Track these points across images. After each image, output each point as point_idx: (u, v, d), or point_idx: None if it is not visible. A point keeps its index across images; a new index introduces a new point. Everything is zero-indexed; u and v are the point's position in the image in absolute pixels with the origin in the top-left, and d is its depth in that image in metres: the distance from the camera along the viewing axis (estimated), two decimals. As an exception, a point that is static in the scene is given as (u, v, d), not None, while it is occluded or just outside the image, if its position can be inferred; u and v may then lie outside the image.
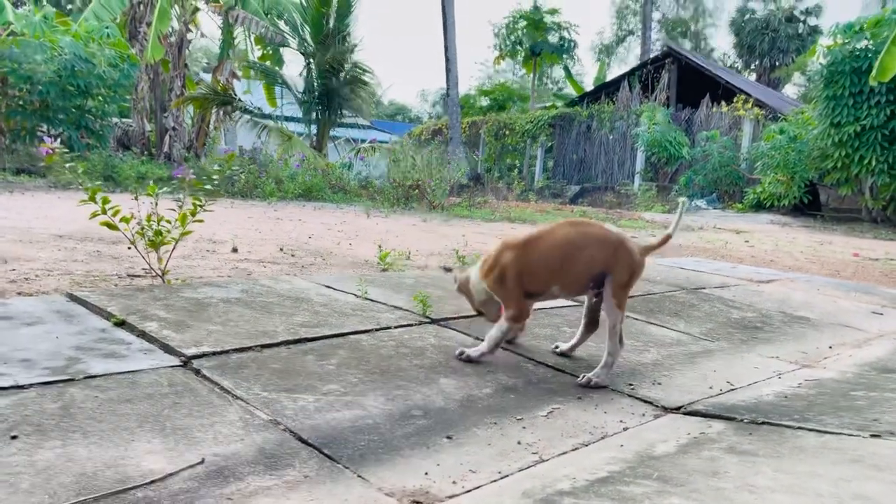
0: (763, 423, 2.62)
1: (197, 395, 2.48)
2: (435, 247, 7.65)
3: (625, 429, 2.61)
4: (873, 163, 16.67)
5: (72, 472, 1.90)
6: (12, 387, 2.37)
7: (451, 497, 2.00)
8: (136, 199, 4.13)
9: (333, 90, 17.83)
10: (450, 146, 23.51)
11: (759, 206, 20.29)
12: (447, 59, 24.49)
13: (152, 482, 1.89)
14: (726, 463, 2.19)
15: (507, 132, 29.77)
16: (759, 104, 23.56)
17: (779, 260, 9.47)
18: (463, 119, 30.59)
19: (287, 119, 19.23)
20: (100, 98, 15.87)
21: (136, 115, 18.89)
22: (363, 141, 21.80)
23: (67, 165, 4.07)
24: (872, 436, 2.43)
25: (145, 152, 18.56)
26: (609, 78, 32.80)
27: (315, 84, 18.24)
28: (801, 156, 18.67)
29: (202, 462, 2.03)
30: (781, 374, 3.51)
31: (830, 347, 4.25)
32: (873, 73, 14.89)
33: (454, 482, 2.09)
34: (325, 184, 14.44)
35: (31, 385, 2.40)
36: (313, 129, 18.89)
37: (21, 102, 15.11)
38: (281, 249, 6.45)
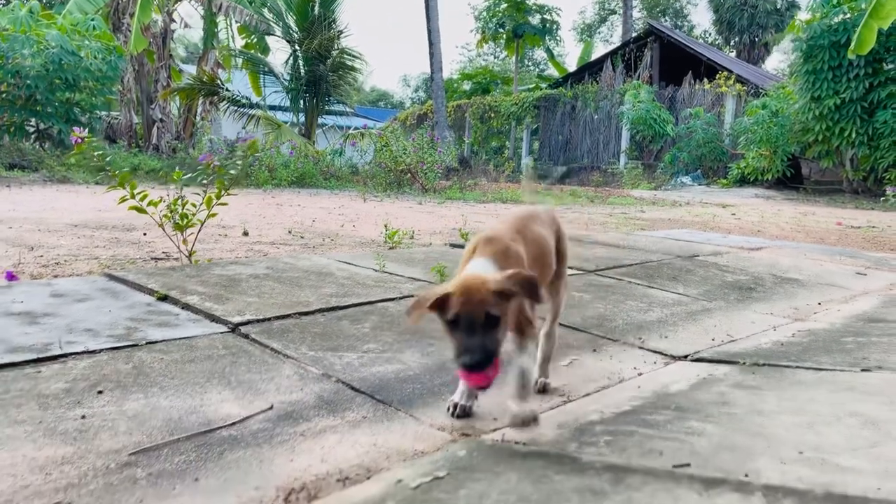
0: (764, 364, 2.89)
1: (251, 356, 2.71)
2: (436, 226, 7.88)
3: (639, 374, 2.88)
4: (853, 135, 17.06)
5: (159, 417, 2.13)
6: (85, 352, 2.59)
7: (494, 430, 2.24)
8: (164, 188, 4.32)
9: (321, 77, 17.93)
10: (436, 130, 23.66)
11: (743, 181, 20.67)
12: (431, 43, 24.56)
13: (232, 424, 2.13)
14: (735, 395, 2.45)
15: (493, 115, 29.94)
16: (740, 80, 23.88)
17: (766, 230, 9.79)
18: (447, 103, 30.69)
19: (274, 108, 19.30)
20: (87, 91, 15.88)
21: (123, 107, 18.89)
22: (350, 128, 21.90)
23: (96, 154, 4.24)
24: (863, 370, 2.71)
25: (133, 145, 18.58)
26: (593, 58, 32.96)
27: (302, 71, 18.31)
28: (782, 130, 19.03)
29: (271, 408, 2.26)
30: (776, 327, 3.80)
31: (819, 304, 4.55)
32: (851, 46, 15.20)
33: (495, 419, 2.33)
34: (316, 171, 14.60)
35: (101, 350, 2.62)
36: (301, 118, 18.97)
37: (8, 97, 15.10)
38: (289, 232, 6.66)
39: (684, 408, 2.34)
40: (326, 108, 19.04)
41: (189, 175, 4.30)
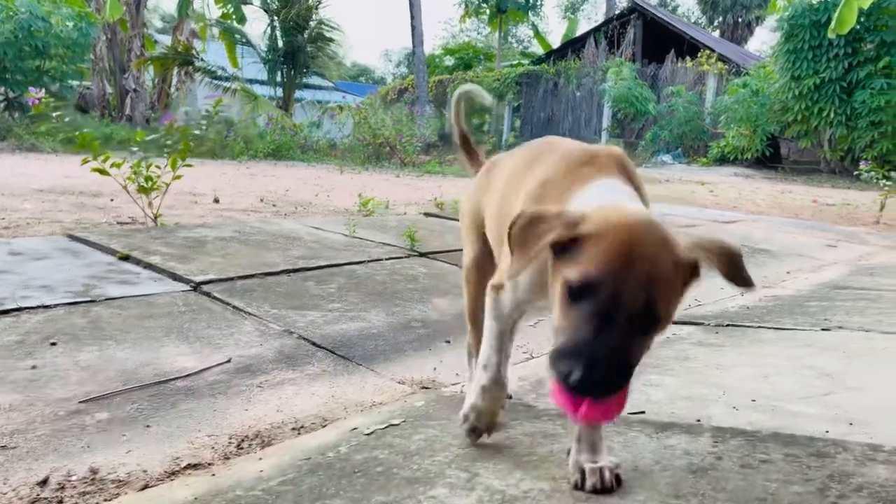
0: (728, 325, 2.91)
1: (212, 313, 2.68)
2: (412, 197, 7.83)
3: (605, 334, 2.88)
4: (831, 115, 17.15)
5: (113, 368, 2.10)
6: (40, 306, 2.53)
7: (454, 384, 2.23)
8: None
9: (298, 48, 17.68)
10: (417, 105, 23.48)
11: (723, 160, 20.77)
12: (412, 16, 24.27)
13: (188, 375, 2.10)
14: (696, 352, 2.46)
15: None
16: (722, 59, 23.90)
17: (742, 206, 9.85)
18: (429, 78, 30.44)
19: (252, 82, 19.01)
20: (58, 59, 15.51)
21: (95, 76, 18.48)
22: (329, 103, 21.68)
23: (55, 114, 4.14)
24: (823, 329, 2.74)
25: (106, 115, 18.23)
26: (577, 35, 32.83)
27: (279, 42, 18.04)
28: (762, 109, 19.09)
29: (229, 361, 2.23)
30: (744, 294, 3.82)
31: (788, 272, 4.58)
32: (832, 25, 15.18)
33: (457, 374, 2.32)
34: (293, 143, 14.43)
35: (56, 305, 2.57)
36: (279, 91, 18.72)
37: (-23, 64, 14.71)
38: (261, 200, 6.58)
39: (645, 363, 2.34)
40: (304, 80, 18.78)
41: (153, 137, 4.21)
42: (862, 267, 4.88)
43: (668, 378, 2.14)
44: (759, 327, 2.83)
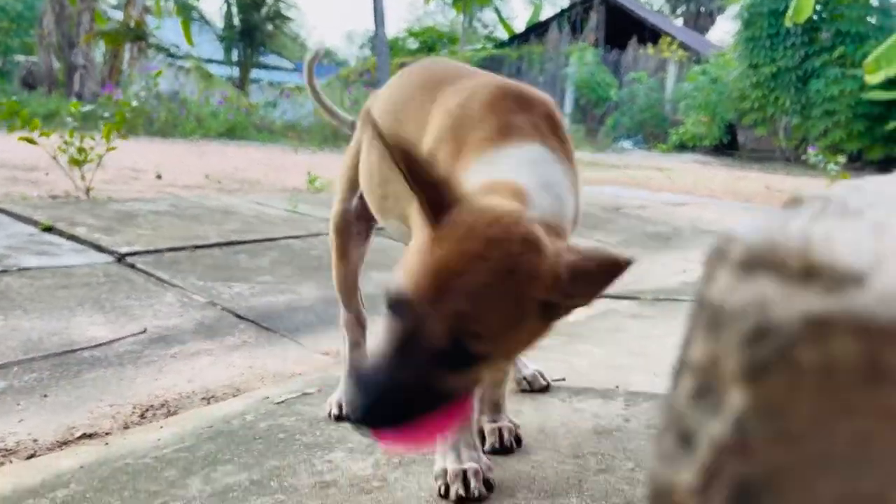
0: (664, 299, 2.90)
1: (133, 284, 2.57)
2: (365, 176, 7.72)
3: (541, 308, 2.85)
4: (787, 104, 17.45)
5: (17, 338, 1.99)
6: (-55, 275, 2.40)
7: (380, 355, 2.18)
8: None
9: (256, 26, 17.31)
10: (378, 87, 23.21)
11: (682, 147, 21.01)
12: (375, -2, 23.94)
13: (98, 345, 2.00)
14: (629, 324, 2.44)
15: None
16: (683, 47, 24.12)
17: (696, 191, 9.96)
18: (392, 61, 30.14)
19: (208, 62, 18.54)
20: (1, 32, 14.95)
21: (43, 51, 17.83)
22: (289, 84, 21.29)
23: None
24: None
25: (53, 91, 17.64)
26: (540, 20, 32.78)
27: (236, 20, 17.64)
28: (721, 97, 19.34)
29: (144, 331, 2.14)
30: (686, 270, 3.83)
31: (732, 252, 4.63)
32: (789, 13, 15.44)
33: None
34: (249, 123, 14.14)
35: (-36, 274, 2.44)
36: (236, 71, 18.32)
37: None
38: (207, 177, 6.41)
39: (577, 334, 2.32)
40: (262, 60, 18.41)
41: (89, 108, 4.04)
42: (804, 247, 4.95)
43: (596, 348, 2.11)
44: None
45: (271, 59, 20.04)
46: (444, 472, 1.12)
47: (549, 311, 0.90)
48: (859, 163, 16.02)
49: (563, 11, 28.06)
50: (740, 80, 18.80)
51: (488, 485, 1.11)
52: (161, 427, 1.55)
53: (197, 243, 3.16)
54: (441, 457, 1.15)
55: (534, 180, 1.02)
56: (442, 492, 1.11)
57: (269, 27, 17.66)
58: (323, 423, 1.50)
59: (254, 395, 1.75)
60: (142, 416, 1.67)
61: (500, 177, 1.01)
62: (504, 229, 0.87)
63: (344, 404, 1.49)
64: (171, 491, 1.19)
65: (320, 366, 2.07)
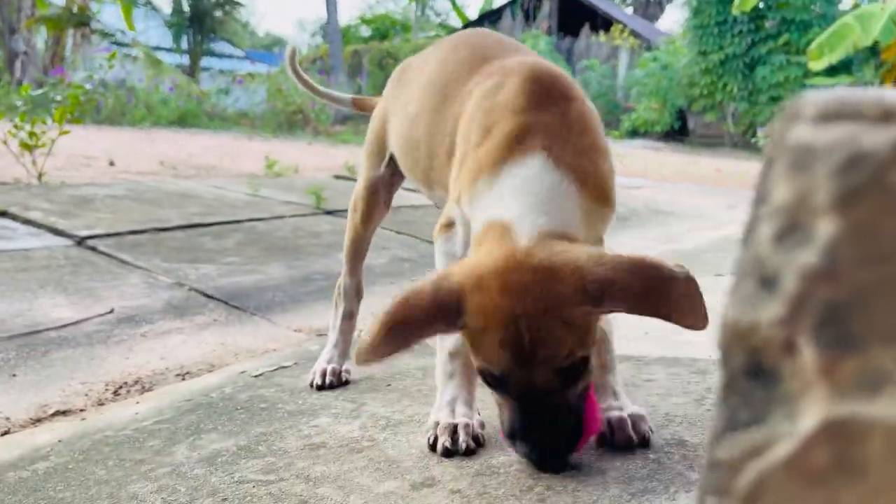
0: (627, 273, 2.97)
1: (96, 266, 2.52)
2: (323, 164, 7.66)
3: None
4: (735, 90, 17.88)
5: (-22, 320, 1.93)
6: None
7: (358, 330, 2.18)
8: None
9: (205, 12, 16.93)
10: (332, 74, 22.98)
11: (634, 133, 21.35)
12: (327, -15, 23.62)
13: (64, 326, 1.96)
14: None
15: (391, 61, 29.38)
16: (634, 34, 24.45)
17: (650, 175, 10.15)
18: (345, 48, 29.83)
19: (157, 49, 18.06)
20: (-61, 18, 14.29)
21: (-18, 38, 17.16)
22: (240, 72, 20.88)
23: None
24: (716, 275, 2.84)
25: (-5, 80, 16.98)
26: (494, 7, 32.80)
27: (184, 6, 17.22)
28: (671, 83, 19.70)
29: (111, 312, 2.10)
30: (646, 248, 3.92)
31: (689, 231, 4.75)
32: (736, 2, 15.81)
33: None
34: (200, 111, 13.85)
35: (-84, 258, 2.36)
36: (185, 59, 17.90)
37: None
38: (161, 164, 6.28)
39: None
40: (213, 47, 18.02)
41: (39, 92, 3.92)
42: (756, 225, 5.11)
43: (565, 318, 2.16)
44: (657, 274, 2.91)
45: (222, 47, 19.63)
46: (436, 424, 1.14)
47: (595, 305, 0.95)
48: (804, 147, 16.50)
49: (515, -1, 28.14)
50: (690, 66, 19.18)
51: (478, 441, 1.13)
52: (137, 402, 1.54)
53: (159, 226, 3.10)
54: (435, 411, 1.17)
55: (524, 206, 1.04)
56: (430, 443, 1.13)
57: (219, 14, 17.28)
58: (304, 392, 1.50)
59: (229, 370, 1.75)
60: (115, 392, 1.65)
61: (493, 214, 1.05)
62: (540, 274, 0.95)
63: (328, 370, 1.51)
64: (156, 458, 1.18)
65: (294, 342, 2.06)
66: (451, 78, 1.31)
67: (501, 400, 1.01)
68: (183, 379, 1.75)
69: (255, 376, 1.65)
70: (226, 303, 2.32)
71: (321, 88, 1.88)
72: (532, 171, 1.06)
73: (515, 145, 1.08)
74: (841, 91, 0.27)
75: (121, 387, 1.68)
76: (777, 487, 0.25)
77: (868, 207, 0.23)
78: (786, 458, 0.25)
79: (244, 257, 2.84)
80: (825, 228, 0.24)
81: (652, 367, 1.50)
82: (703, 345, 1.77)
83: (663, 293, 0.95)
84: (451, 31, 31.12)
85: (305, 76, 1.84)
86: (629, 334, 1.91)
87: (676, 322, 0.98)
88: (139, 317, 2.10)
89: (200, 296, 2.36)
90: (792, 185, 0.25)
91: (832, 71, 14.65)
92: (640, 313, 0.98)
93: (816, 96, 0.27)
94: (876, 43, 13.16)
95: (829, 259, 0.24)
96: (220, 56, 20.02)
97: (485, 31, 1.46)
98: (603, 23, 25.67)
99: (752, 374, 0.27)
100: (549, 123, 1.09)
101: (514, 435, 1.00)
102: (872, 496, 0.23)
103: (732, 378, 0.28)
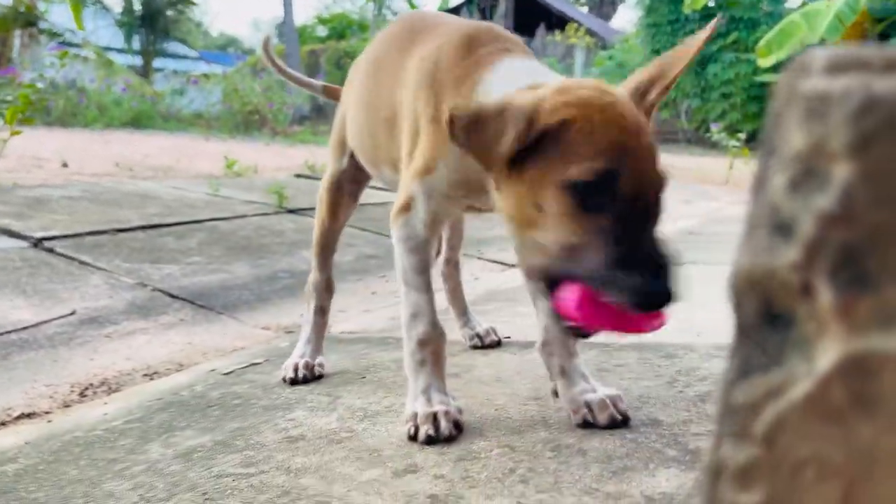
0: (592, 265, 3.02)
1: (55, 268, 2.45)
2: (283, 163, 7.58)
3: (476, 279, 2.90)
4: (688, 87, 18.24)
5: (-68, 325, 1.87)
6: None
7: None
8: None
9: (157, 11, 16.59)
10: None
11: (590, 130, 21.61)
12: (282, -17, 23.35)
13: (24, 328, 1.90)
14: (562, 288, 2.53)
15: (349, 61, 29.19)
16: (590, 33, 24.76)
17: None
18: (301, 48, 29.54)
19: (108, 50, 17.62)
20: None
21: (-77, 38, 16.52)
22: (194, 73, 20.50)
23: None
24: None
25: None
26: (450, 6, 32.83)
27: (136, 4, 16.85)
28: (626, 81, 20.00)
29: (73, 313, 2.05)
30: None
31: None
32: (687, 1, 16.15)
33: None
34: (155, 112, 13.57)
35: None
36: (138, 59, 17.51)
37: None
38: (116, 165, 6.14)
39: (514, 298, 2.38)
40: (166, 47, 17.68)
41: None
42: (713, 218, 5.23)
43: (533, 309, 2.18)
44: (621, 266, 2.96)
45: (175, 47, 19.28)
46: (415, 415, 1.14)
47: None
48: (754, 143, 16.93)
49: (471, -1, 28.23)
50: (644, 64, 19.38)
51: (458, 427, 1.13)
52: (105, 403, 1.51)
53: (118, 227, 3.03)
54: (411, 401, 1.17)
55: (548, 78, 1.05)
56: (412, 433, 1.12)
57: (172, 13, 16.96)
58: (278, 387, 1.49)
59: (199, 369, 1.72)
60: (81, 394, 1.61)
61: (523, 81, 1.04)
62: (619, 94, 1.00)
63: (301, 364, 1.50)
64: (130, 457, 1.16)
65: (262, 339, 2.04)
66: (388, 54, 1.34)
67: (592, 226, 0.89)
68: (151, 379, 1.71)
69: (226, 374, 1.63)
70: (191, 302, 2.29)
71: (295, 74, 1.88)
72: (508, 66, 1.10)
73: (491, 62, 1.11)
74: (842, 47, 0.28)
75: (87, 388, 1.64)
76: (795, 426, 0.26)
77: (882, 151, 0.24)
78: (804, 396, 0.26)
79: (208, 257, 2.80)
80: (840, 172, 0.25)
81: (621, 353, 1.53)
82: (668, 331, 1.81)
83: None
84: (408, 30, 31.02)
85: (280, 62, 1.84)
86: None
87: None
88: (102, 318, 2.06)
89: (165, 296, 2.31)
90: (807, 133, 0.26)
91: (780, 68, 15.08)
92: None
93: (823, 51, 0.28)
94: (822, 40, 13.57)
95: (844, 202, 0.25)
96: (174, 56, 19.65)
97: (424, 11, 1.50)
98: (558, 22, 25.94)
99: (766, 320, 0.28)
100: (497, 49, 1.14)
101: (620, 267, 0.88)
102: (888, 429, 0.24)
103: (745, 325, 0.29)
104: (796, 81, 0.28)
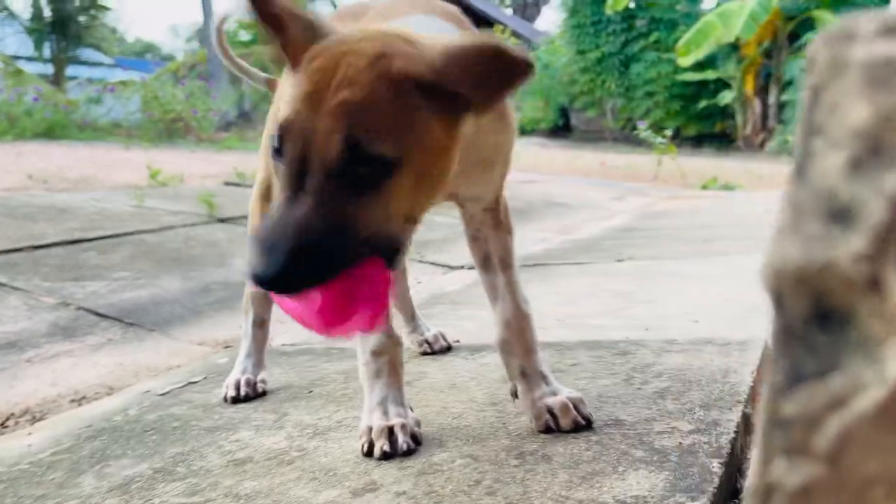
0: (534, 264, 3.01)
1: (-35, 290, 2.28)
2: (210, 171, 7.35)
3: (419, 282, 2.85)
4: (613, 86, 18.69)
5: None
6: None
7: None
8: None
9: (68, 17, 15.88)
10: (211, 80, 22.13)
11: (521, 132, 21.87)
12: (201, -12, 22.73)
13: (-68, 357, 1.75)
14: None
15: (274, 66, 28.68)
16: (515, 34, 25.06)
17: (540, 170, 10.43)
18: (225, 54, 28.78)
19: (17, 58, 16.77)
20: None
21: None
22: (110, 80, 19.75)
23: None
24: (617, 261, 2.92)
25: None
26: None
27: (45, 10, 16.09)
28: (553, 82, 20.35)
29: (-12, 338, 1.90)
30: (546, 240, 4.00)
31: (584, 221, 4.90)
32: (609, 2, 16.55)
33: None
34: (69, 122, 12.96)
35: None
36: (49, 68, 16.71)
37: None
38: (29, 177, 5.81)
39: (459, 301, 2.35)
40: (79, 55, 16.94)
41: None
42: (645, 214, 5.34)
43: (481, 311, 2.13)
44: (562, 264, 2.96)
45: (89, 54, 18.52)
46: (369, 429, 1.08)
47: (442, 107, 0.83)
48: (677, 140, 17.49)
49: (397, 1, 28.20)
50: (570, 65, 19.87)
51: (416, 439, 1.08)
52: (29, 434, 1.39)
53: (35, 243, 2.85)
54: (367, 414, 1.12)
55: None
56: (366, 449, 1.06)
57: (84, 19, 16.27)
58: (219, 407, 1.40)
59: (132, 391, 1.62)
60: (2, 425, 1.49)
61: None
62: (372, 32, 0.87)
63: (242, 381, 1.42)
64: (61, 492, 1.07)
65: (199, 356, 1.94)
66: None
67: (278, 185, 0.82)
68: (79, 404, 1.60)
69: (162, 395, 1.53)
70: (120, 320, 2.16)
71: (241, 63, 1.80)
72: (421, 20, 1.02)
73: (393, 16, 1.04)
74: (873, 13, 0.25)
75: (8, 418, 1.51)
76: (865, 439, 0.23)
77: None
78: (874, 405, 0.23)
79: (135, 271, 2.66)
80: (918, 147, 0.22)
81: (574, 352, 1.51)
82: (616, 328, 1.81)
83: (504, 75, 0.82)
84: (334, 34, 30.71)
85: (230, 51, 1.75)
86: (543, 323, 1.92)
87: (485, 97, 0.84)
88: (22, 342, 1.91)
89: (90, 315, 2.18)
90: (872, 105, 0.23)
91: (699, 66, 15.61)
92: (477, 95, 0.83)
93: (866, 17, 0.25)
94: (737, 39, 14.14)
95: (923, 180, 0.22)
96: (88, 64, 18.87)
97: (365, 1, 1.36)
98: (485, 24, 26.14)
99: (818, 320, 0.25)
100: (429, 8, 1.09)
101: (259, 232, 0.79)
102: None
103: (791, 326, 0.26)
104: (843, 50, 0.25)
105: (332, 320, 0.81)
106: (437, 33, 0.93)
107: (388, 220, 0.82)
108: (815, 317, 0.25)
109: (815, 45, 0.26)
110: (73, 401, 1.62)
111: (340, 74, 0.79)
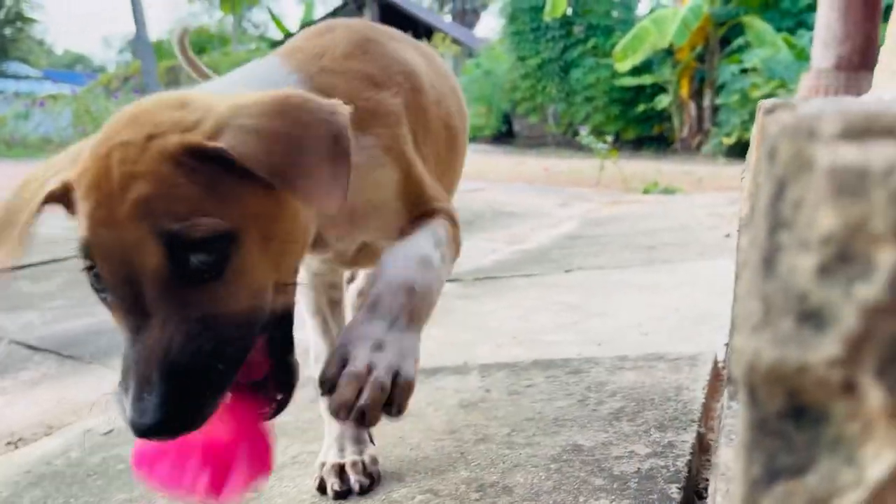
0: (484, 278, 3.01)
1: None
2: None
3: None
4: (553, 92, 18.97)
5: None
6: None
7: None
8: None
9: (-5, 30, 15.28)
10: (147, 92, 21.57)
11: (464, 138, 22.00)
12: (133, -2, 22.18)
13: None
14: (457, 304, 2.50)
15: (211, 76, 28.16)
16: (456, 42, 25.23)
17: (485, 177, 10.50)
18: (160, 64, 28.20)
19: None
20: None
21: None
22: (38, 94, 19.08)
23: None
24: (566, 271, 2.95)
25: None
26: (314, 18, 32.47)
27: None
28: (495, 88, 20.53)
29: (-87, 380, 1.80)
30: (495, 251, 4.02)
31: (532, 230, 4.94)
32: (547, 9, 16.81)
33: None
34: (-3, 139, 12.47)
35: None
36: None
37: None
38: (-42, 200, 5.55)
39: (410, 319, 2.33)
40: (5, 68, 16.31)
41: None
42: (590, 220, 5.42)
43: (433, 330, 2.13)
44: (512, 276, 2.98)
45: (16, 68, 17.84)
46: (321, 465, 1.06)
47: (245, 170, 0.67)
48: (618, 143, 17.87)
49: (335, 10, 28.09)
50: (511, 72, 20.09)
51: (372, 477, 1.05)
52: (-39, 485, 1.31)
53: (-38, 273, 2.72)
54: (325, 449, 1.09)
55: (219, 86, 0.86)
56: (318, 486, 1.04)
57: (10, 31, 15.68)
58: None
59: (72, 430, 1.55)
60: (-70, 476, 1.40)
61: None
62: (122, 115, 0.74)
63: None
64: (-2, 552, 1.01)
65: (144, 388, 1.87)
66: None
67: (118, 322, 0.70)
68: (15, 447, 1.52)
69: (105, 433, 1.47)
70: (56, 353, 2.07)
71: (206, 70, 1.74)
72: (258, 69, 0.90)
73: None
74: (834, 102, 0.25)
75: (-64, 468, 1.43)
76: (846, 542, 0.23)
77: (938, 232, 0.22)
78: (855, 509, 0.22)
79: (72, 300, 2.56)
80: (887, 258, 0.22)
81: (529, 372, 1.51)
82: (569, 343, 1.83)
83: (306, 144, 0.67)
84: (272, 43, 30.38)
85: (197, 61, 1.69)
86: (498, 341, 1.93)
87: (305, 196, 0.70)
88: (-50, 382, 1.82)
89: (24, 348, 2.08)
90: (841, 213, 0.23)
91: (636, 71, 15.99)
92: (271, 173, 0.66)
93: (826, 109, 0.25)
94: (671, 44, 14.54)
95: (894, 291, 0.22)
96: (15, 77, 18.18)
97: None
98: (425, 31, 26.24)
99: (793, 416, 0.25)
100: (307, 50, 0.94)
101: (123, 371, 0.67)
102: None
103: (766, 420, 0.26)
104: (805, 147, 0.25)
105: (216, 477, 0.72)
106: (258, 84, 0.80)
107: (255, 295, 0.70)
108: (789, 412, 0.25)
109: (776, 134, 0.26)
110: (9, 443, 1.54)
111: (117, 173, 0.67)
